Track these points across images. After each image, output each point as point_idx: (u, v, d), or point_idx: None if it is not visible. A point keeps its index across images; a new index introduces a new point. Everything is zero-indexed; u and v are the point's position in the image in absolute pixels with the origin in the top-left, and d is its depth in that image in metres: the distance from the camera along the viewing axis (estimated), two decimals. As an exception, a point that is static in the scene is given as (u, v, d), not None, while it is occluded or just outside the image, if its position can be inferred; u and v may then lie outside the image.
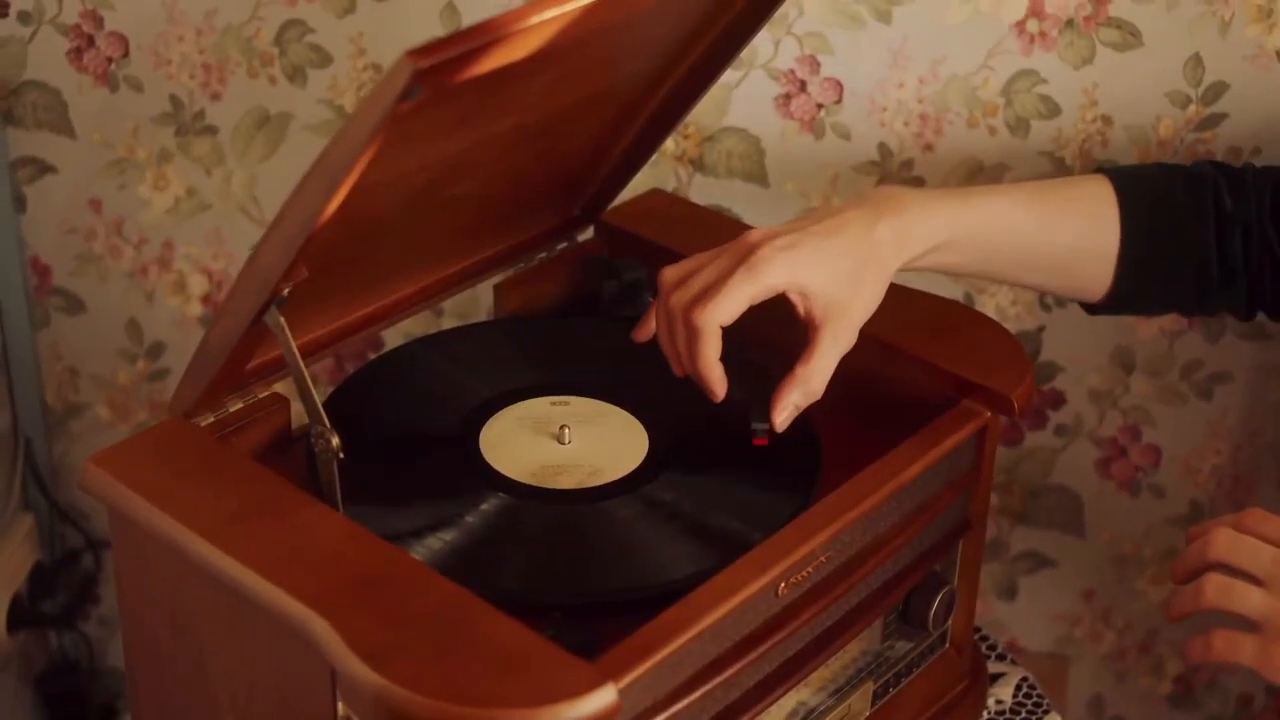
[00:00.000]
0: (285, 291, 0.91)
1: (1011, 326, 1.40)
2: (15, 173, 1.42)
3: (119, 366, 1.50)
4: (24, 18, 1.35)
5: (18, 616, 1.50)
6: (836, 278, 0.99)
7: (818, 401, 1.04)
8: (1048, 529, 1.49)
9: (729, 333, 1.05)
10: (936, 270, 1.06)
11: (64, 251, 1.45)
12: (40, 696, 1.60)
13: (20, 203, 1.43)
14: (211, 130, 1.38)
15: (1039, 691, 1.20)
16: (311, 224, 0.84)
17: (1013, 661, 1.22)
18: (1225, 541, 0.96)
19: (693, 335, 0.98)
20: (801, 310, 1.00)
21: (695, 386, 1.07)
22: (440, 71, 0.77)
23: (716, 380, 0.99)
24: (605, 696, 0.81)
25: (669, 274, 1.01)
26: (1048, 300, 1.39)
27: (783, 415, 1.00)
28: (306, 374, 0.93)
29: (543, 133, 1.03)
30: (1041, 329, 1.40)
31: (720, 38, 1.07)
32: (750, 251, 0.98)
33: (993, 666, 1.21)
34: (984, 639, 1.23)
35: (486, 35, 0.78)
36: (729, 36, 1.07)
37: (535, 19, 0.80)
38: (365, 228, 0.98)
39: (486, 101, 0.91)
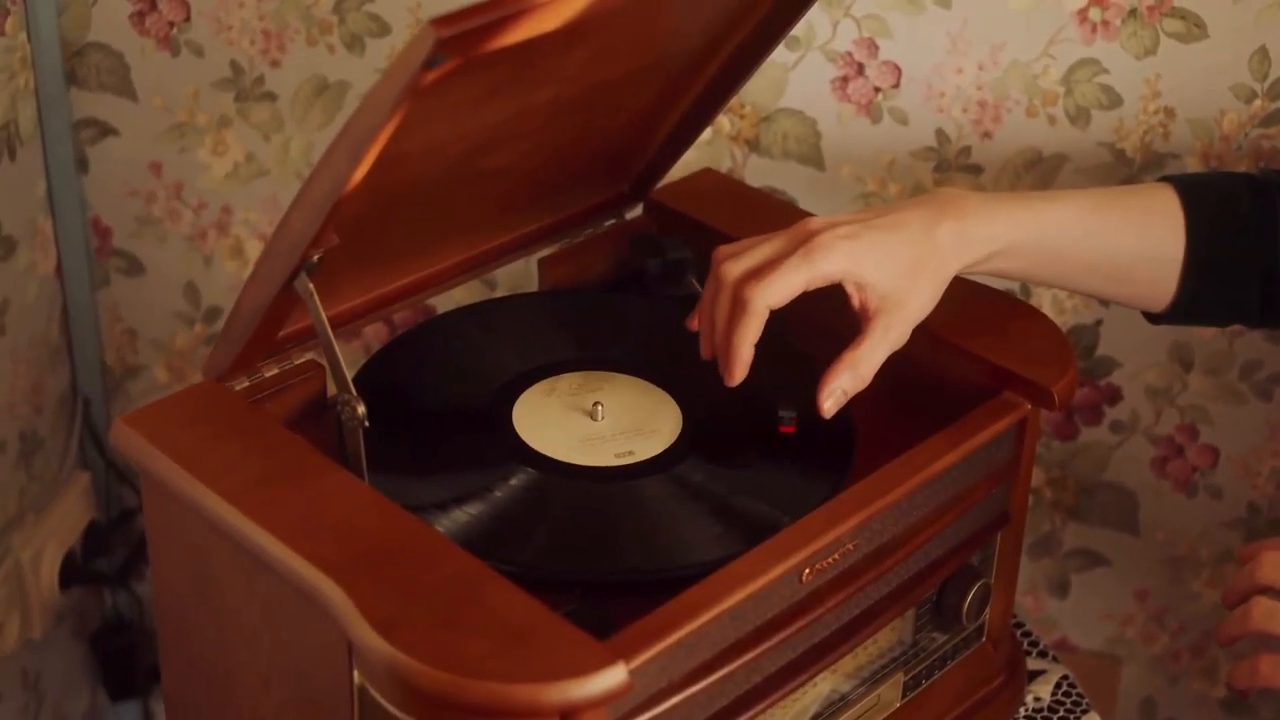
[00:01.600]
0: (315, 258, 0.91)
1: (1068, 320, 1.38)
2: (78, 134, 1.43)
3: (177, 329, 1.51)
4: (89, -20, 1.37)
5: (71, 574, 1.52)
6: (894, 272, 0.98)
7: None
8: (1101, 526, 1.47)
9: (772, 317, 1.04)
10: (997, 275, 1.05)
11: (124, 213, 1.47)
12: (94, 653, 1.62)
13: (83, 164, 1.44)
14: (270, 97, 1.39)
15: (1079, 690, 1.18)
16: (339, 190, 0.84)
17: (1054, 659, 1.20)
18: (1273, 564, 0.94)
19: (738, 309, 0.97)
20: (856, 302, 0.99)
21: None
22: (464, 40, 0.77)
23: (741, 362, 0.98)
24: (615, 675, 0.80)
25: (724, 250, 1.00)
26: (1106, 294, 1.37)
27: (831, 400, 0.99)
28: (334, 341, 0.93)
29: (584, 107, 1.02)
30: (1099, 323, 1.38)
31: (769, 16, 1.05)
32: (810, 237, 0.97)
33: (1033, 663, 1.19)
34: (1026, 635, 1.22)
35: (513, 6, 0.78)
36: (778, 15, 1.05)
37: (564, -10, 0.79)
38: (401, 197, 0.98)
39: (520, 73, 0.91)
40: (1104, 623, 1.51)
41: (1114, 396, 1.41)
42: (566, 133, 1.04)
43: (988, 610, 1.08)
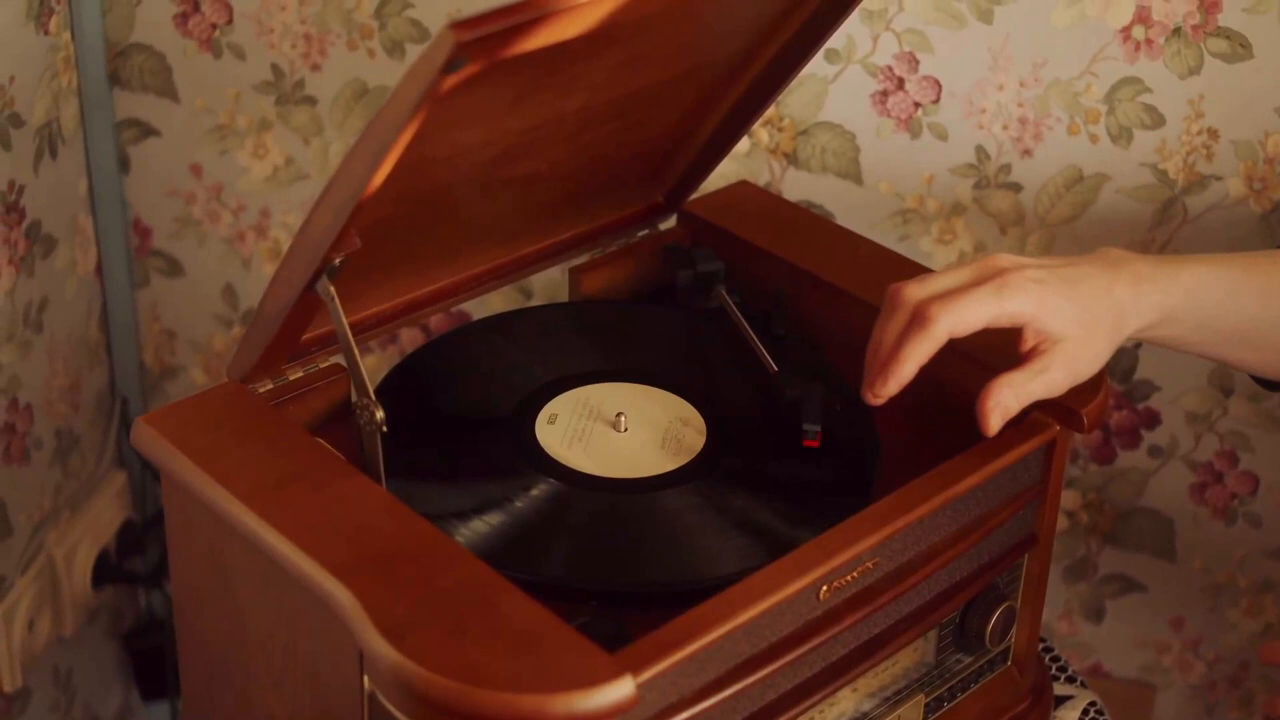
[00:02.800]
0: (337, 261, 0.91)
1: (1107, 341, 1.37)
2: (120, 134, 1.44)
3: (215, 331, 1.52)
4: (133, -19, 1.37)
5: (104, 572, 1.52)
6: (1074, 324, 0.97)
7: (884, 404, 1.02)
8: (1138, 552, 1.45)
9: (805, 334, 1.04)
10: (1155, 343, 1.03)
11: (164, 214, 1.47)
12: (127, 652, 1.63)
13: (124, 164, 1.45)
14: (310, 101, 1.39)
15: (1106, 717, 1.16)
16: (359, 193, 0.84)
17: (1082, 684, 1.19)
18: None
19: (917, 324, 0.95)
20: (1030, 344, 0.98)
21: (760, 381, 1.06)
22: (485, 44, 0.76)
23: (899, 376, 0.96)
24: (622, 688, 0.80)
25: (902, 282, 0.98)
26: (1145, 316, 1.35)
27: (996, 415, 0.98)
28: (354, 344, 0.93)
29: (616, 115, 1.02)
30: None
31: (806, 25, 1.05)
32: (1001, 273, 0.97)
33: (1061, 688, 1.18)
34: (1055, 659, 1.20)
35: (534, 10, 0.77)
36: (815, 24, 1.04)
37: (586, -3, 0.78)
38: (428, 202, 0.97)
39: (547, 79, 0.90)
40: (1139, 650, 1.49)
41: (1153, 420, 1.39)
42: (598, 141, 1.04)
43: (1013, 633, 1.06)
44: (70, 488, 1.48)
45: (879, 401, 0.98)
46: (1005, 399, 0.98)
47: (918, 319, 0.96)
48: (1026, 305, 0.96)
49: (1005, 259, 0.98)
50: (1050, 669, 1.19)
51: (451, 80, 0.77)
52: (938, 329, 0.95)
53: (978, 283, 0.96)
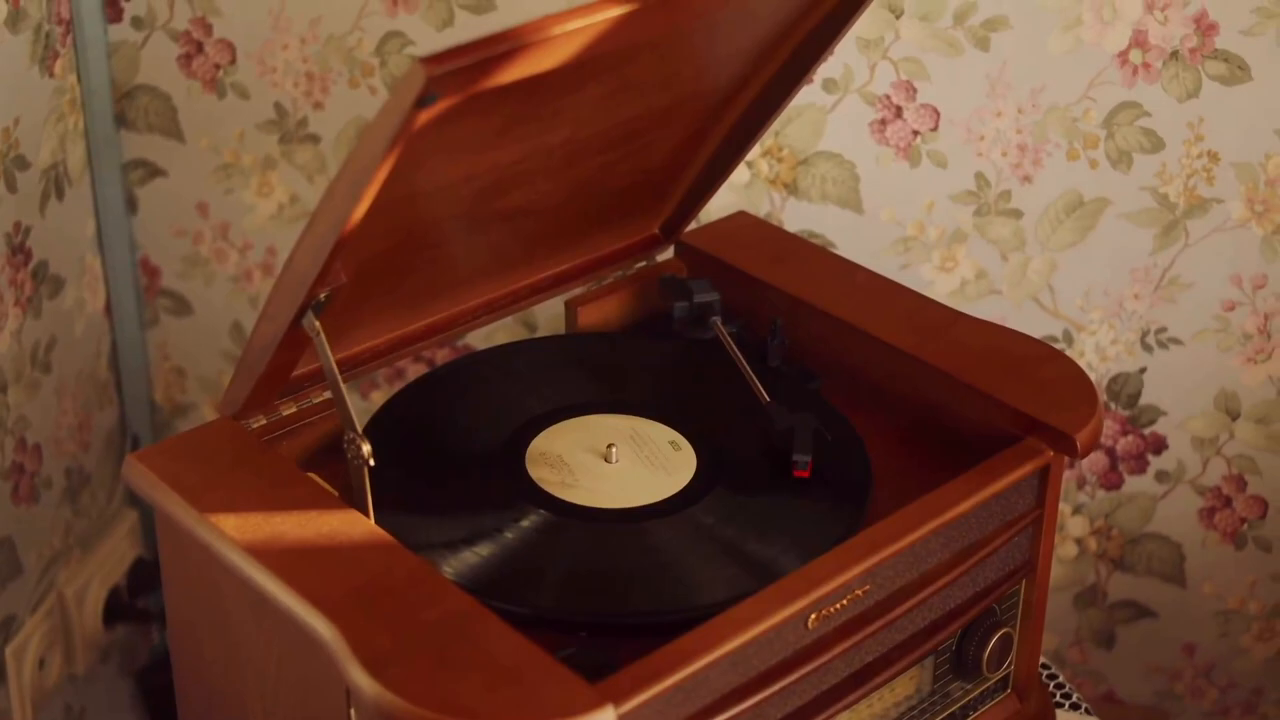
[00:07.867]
0: (322, 296, 0.91)
1: (1111, 367, 1.36)
2: (127, 175, 1.45)
3: (224, 369, 1.52)
4: (137, 23, 1.38)
5: (116, 610, 1.53)
6: None
7: (876, 430, 1.01)
8: (1147, 577, 1.44)
9: (804, 366, 1.02)
10: None
11: (172, 253, 1.48)
12: (140, 690, 1.63)
13: (132, 204, 1.46)
14: (314, 139, 1.40)
15: (1112, 744, 1.16)
16: (340, 228, 0.84)
17: (1088, 711, 1.18)
18: None
19: None
20: None
21: (752, 412, 1.05)
22: (457, 79, 0.77)
23: None
24: (602, 718, 0.80)
25: None
26: (1149, 340, 1.35)
27: None
28: (339, 378, 0.93)
29: (606, 147, 1.02)
30: (1143, 370, 1.36)
31: (791, 59, 1.05)
32: None
33: (1065, 716, 1.17)
34: (1059, 686, 1.19)
35: (506, 44, 0.78)
36: (799, 58, 1.05)
37: (558, 30, 0.79)
38: (418, 237, 0.98)
39: (531, 111, 0.91)
40: (1152, 676, 1.48)
41: (1159, 445, 1.38)
42: (589, 173, 1.04)
43: (1011, 660, 1.06)
44: (81, 526, 1.48)
45: None
46: None
47: None
48: None
49: None
50: (1055, 696, 1.19)
51: (425, 115, 0.77)
52: None
53: None
